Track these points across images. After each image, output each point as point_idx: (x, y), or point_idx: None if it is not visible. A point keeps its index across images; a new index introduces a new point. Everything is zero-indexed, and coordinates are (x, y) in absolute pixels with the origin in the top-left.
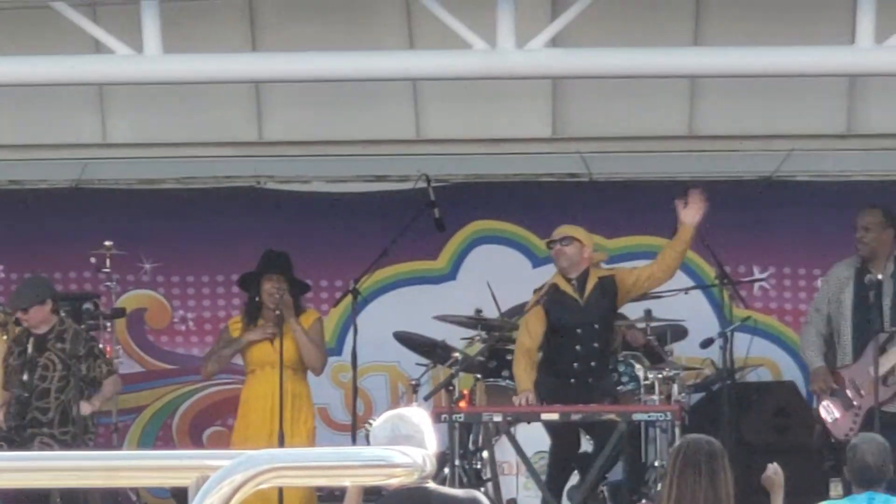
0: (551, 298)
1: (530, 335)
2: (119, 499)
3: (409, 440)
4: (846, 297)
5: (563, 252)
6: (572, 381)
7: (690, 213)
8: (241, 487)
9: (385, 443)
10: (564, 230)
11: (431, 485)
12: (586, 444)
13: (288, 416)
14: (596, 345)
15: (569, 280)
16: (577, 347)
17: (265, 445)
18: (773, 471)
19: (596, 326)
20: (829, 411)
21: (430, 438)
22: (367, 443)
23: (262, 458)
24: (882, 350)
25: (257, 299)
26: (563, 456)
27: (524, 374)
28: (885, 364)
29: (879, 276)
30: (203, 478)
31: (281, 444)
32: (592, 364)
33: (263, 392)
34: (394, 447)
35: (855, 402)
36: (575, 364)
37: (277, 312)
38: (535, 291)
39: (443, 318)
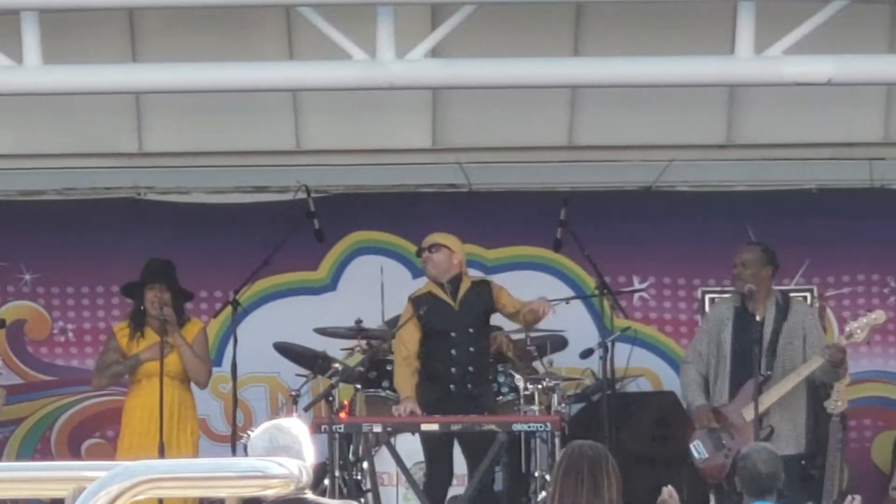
0: (423, 303)
1: (406, 344)
2: None
3: (287, 451)
4: (725, 337)
5: (430, 259)
6: (452, 387)
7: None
8: (118, 499)
9: (263, 453)
10: (432, 238)
11: (310, 496)
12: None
13: (172, 426)
14: (472, 349)
15: (441, 286)
16: (453, 352)
17: (151, 456)
18: (668, 493)
19: (471, 330)
20: (699, 451)
21: (308, 449)
22: (246, 454)
23: (139, 469)
24: (759, 392)
25: (142, 308)
26: (439, 469)
27: (405, 381)
28: (760, 406)
29: (758, 318)
30: (79, 489)
31: (161, 455)
32: (470, 369)
33: (149, 402)
34: (270, 458)
35: (725, 443)
36: (452, 369)
37: (162, 319)
38: (410, 298)
39: (322, 332)
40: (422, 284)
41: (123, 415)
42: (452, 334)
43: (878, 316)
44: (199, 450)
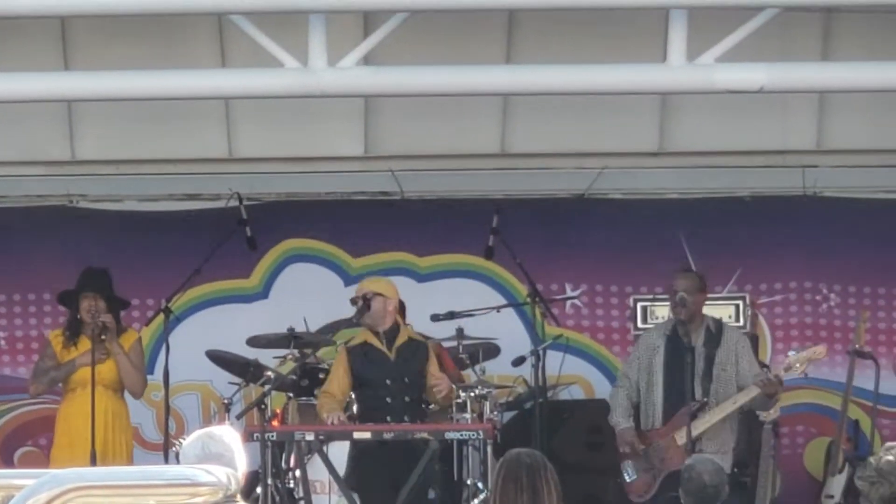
0: (358, 351)
1: (332, 384)
2: None
3: (220, 459)
4: (657, 364)
5: (373, 309)
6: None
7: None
8: None
9: (195, 461)
10: (367, 285)
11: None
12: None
13: (108, 436)
14: (407, 398)
15: (377, 334)
16: (388, 400)
17: (85, 465)
18: None
19: (406, 380)
20: (628, 472)
21: (241, 457)
22: (178, 461)
23: (68, 476)
24: (693, 418)
25: (78, 317)
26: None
27: (329, 404)
28: (694, 431)
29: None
30: (8, 497)
31: (94, 463)
32: (406, 419)
33: (83, 411)
34: (199, 466)
35: (655, 466)
36: (388, 418)
37: (97, 332)
38: (345, 346)
39: (254, 342)
40: (352, 291)
41: (57, 423)
42: (388, 382)
43: (819, 351)
44: (133, 459)
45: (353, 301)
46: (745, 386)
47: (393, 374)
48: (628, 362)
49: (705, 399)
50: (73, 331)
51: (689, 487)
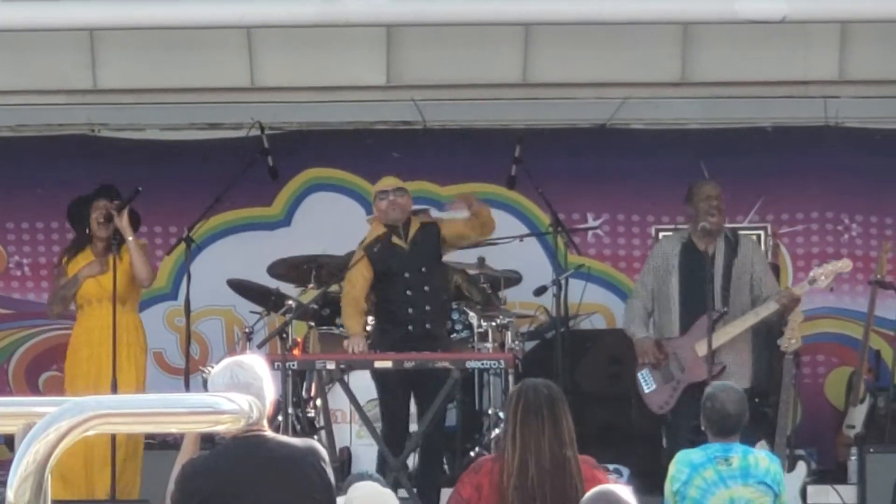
0: (374, 246)
1: (354, 285)
2: None
3: (248, 388)
4: (674, 272)
5: (397, 203)
6: (410, 328)
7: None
8: (68, 434)
9: (223, 390)
10: (394, 181)
11: (269, 433)
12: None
13: (120, 350)
14: (427, 288)
15: (391, 227)
16: (408, 293)
17: (96, 380)
18: None
19: (423, 269)
20: (647, 381)
21: (269, 387)
22: (205, 389)
23: (88, 404)
24: (712, 329)
25: (87, 231)
26: (393, 409)
27: (351, 320)
28: (714, 343)
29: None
30: (29, 424)
31: (114, 383)
32: (427, 308)
33: (92, 326)
34: (221, 394)
35: (675, 377)
36: (409, 310)
37: (107, 235)
38: (360, 244)
39: (276, 267)
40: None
41: (70, 342)
42: (406, 275)
43: (845, 265)
44: (145, 372)
45: (380, 195)
46: (761, 294)
47: (410, 265)
48: (644, 271)
49: (725, 309)
50: (79, 245)
51: (712, 416)
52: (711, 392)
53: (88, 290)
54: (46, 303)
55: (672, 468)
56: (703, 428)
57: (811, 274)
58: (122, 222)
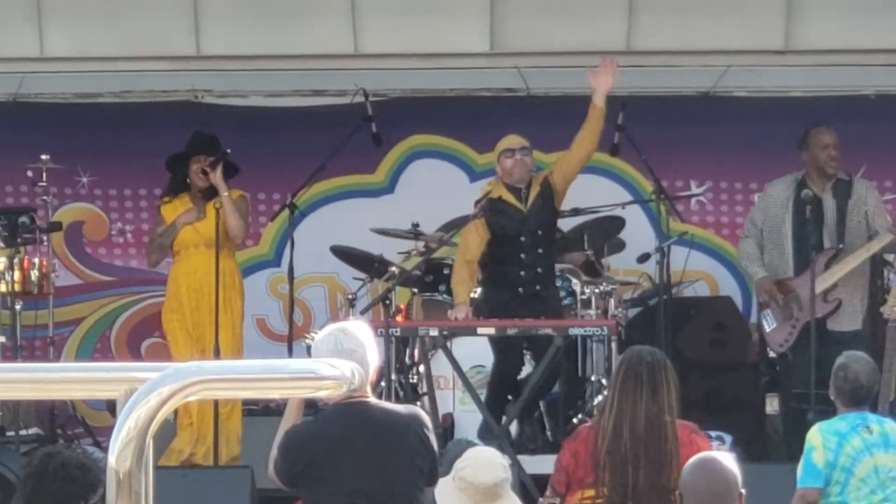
0: (493, 209)
1: (470, 248)
2: (55, 411)
3: (352, 354)
4: (787, 213)
5: (523, 162)
6: (521, 290)
7: (600, 84)
8: (169, 400)
9: (327, 356)
10: (520, 140)
11: (372, 399)
12: (530, 366)
13: (220, 295)
14: (541, 251)
15: (511, 189)
16: (523, 256)
17: (195, 331)
18: None
19: (540, 233)
20: (768, 321)
21: (373, 353)
22: (309, 356)
23: (190, 370)
24: (826, 266)
25: (187, 180)
26: (506, 373)
27: (461, 286)
28: (829, 280)
29: (813, 192)
30: (131, 390)
31: (217, 349)
32: (539, 271)
33: (189, 270)
34: (324, 360)
35: (794, 315)
36: (522, 273)
37: (206, 186)
38: (477, 203)
39: (381, 232)
40: (478, 188)
41: (168, 284)
42: (522, 238)
43: None
44: (243, 317)
45: (505, 153)
46: (875, 231)
47: (527, 229)
48: (755, 210)
49: (841, 246)
50: (176, 190)
51: (845, 387)
52: (844, 362)
53: (185, 237)
54: (146, 251)
55: (817, 438)
56: (832, 397)
57: None
58: (217, 178)
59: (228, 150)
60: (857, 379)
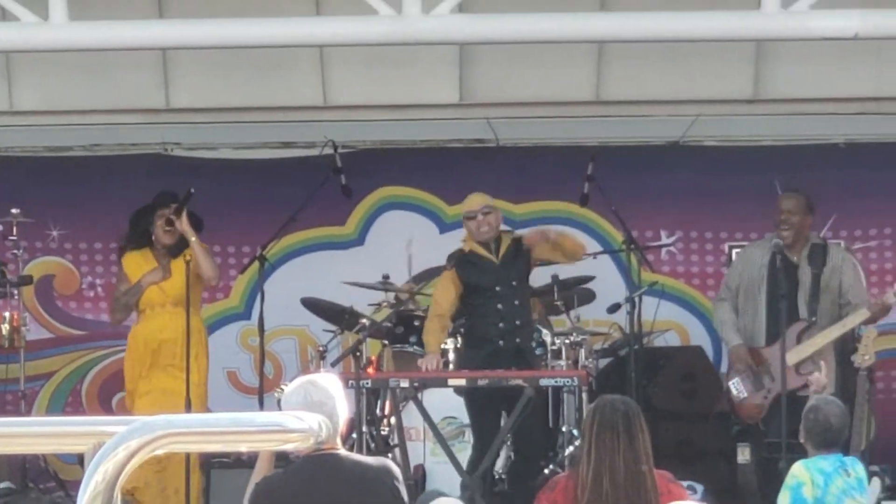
0: (465, 261)
1: (441, 302)
2: (27, 465)
3: (322, 407)
4: (761, 278)
5: (487, 222)
6: (501, 343)
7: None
8: (137, 453)
9: (297, 409)
10: (483, 199)
11: (343, 451)
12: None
13: (182, 354)
14: (517, 302)
15: (482, 244)
16: (499, 307)
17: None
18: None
19: (514, 283)
20: (738, 389)
21: (342, 405)
22: (279, 408)
23: (158, 423)
24: (798, 339)
25: (153, 236)
26: (483, 425)
27: (432, 336)
28: (802, 353)
29: (789, 259)
30: (99, 444)
31: (188, 402)
32: (518, 323)
33: (155, 329)
34: (292, 413)
35: (766, 385)
36: (500, 324)
37: (171, 242)
38: (449, 257)
39: (351, 284)
40: (452, 240)
41: (129, 342)
42: (497, 289)
43: None
44: (207, 373)
45: (469, 215)
46: (848, 304)
47: (501, 279)
48: (729, 274)
49: (813, 319)
50: (136, 244)
51: (815, 429)
52: (814, 404)
53: (150, 296)
54: (109, 309)
55: (805, 474)
56: (801, 440)
57: None
58: (183, 224)
59: (192, 190)
60: (826, 420)
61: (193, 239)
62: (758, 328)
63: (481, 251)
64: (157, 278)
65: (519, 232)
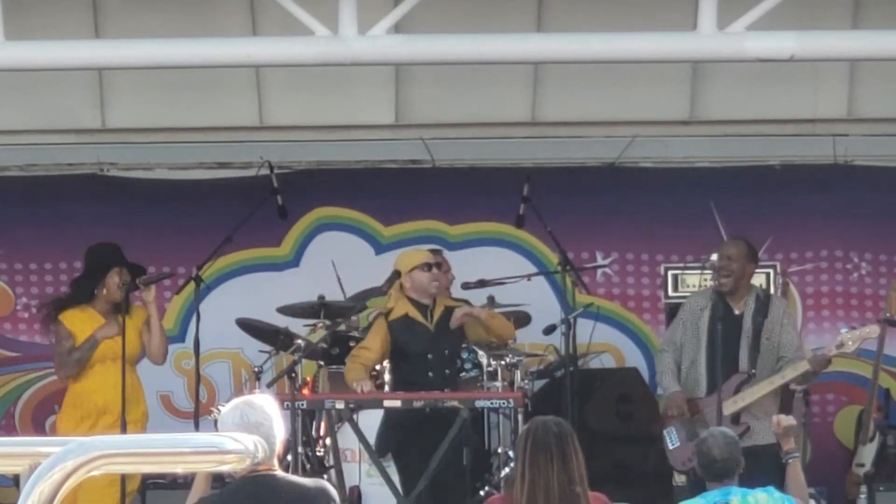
0: (400, 324)
1: (369, 356)
2: None
3: (258, 428)
4: (702, 329)
5: (441, 280)
6: (428, 411)
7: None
8: (73, 474)
9: (233, 430)
10: (434, 256)
11: (279, 472)
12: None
13: (129, 411)
14: (448, 371)
15: (416, 305)
16: (430, 374)
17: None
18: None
19: (446, 353)
20: (671, 438)
21: (279, 426)
22: (216, 430)
23: (94, 444)
24: (737, 390)
25: (103, 291)
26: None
27: (355, 374)
28: (739, 403)
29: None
30: (35, 465)
31: (123, 424)
32: (446, 391)
33: (100, 387)
34: (227, 434)
35: (700, 435)
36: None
37: (121, 301)
38: (383, 315)
39: (285, 311)
40: (387, 261)
41: (67, 398)
42: (429, 356)
43: (872, 331)
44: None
45: (427, 266)
46: (784, 357)
47: (434, 347)
48: (673, 326)
49: (753, 371)
50: (82, 300)
51: (701, 461)
52: (703, 437)
53: (101, 351)
54: (56, 368)
55: None
56: (699, 474)
57: (839, 338)
58: (150, 298)
59: (171, 272)
60: (709, 453)
61: (155, 317)
62: (698, 378)
63: (417, 316)
64: (112, 333)
65: (449, 304)
